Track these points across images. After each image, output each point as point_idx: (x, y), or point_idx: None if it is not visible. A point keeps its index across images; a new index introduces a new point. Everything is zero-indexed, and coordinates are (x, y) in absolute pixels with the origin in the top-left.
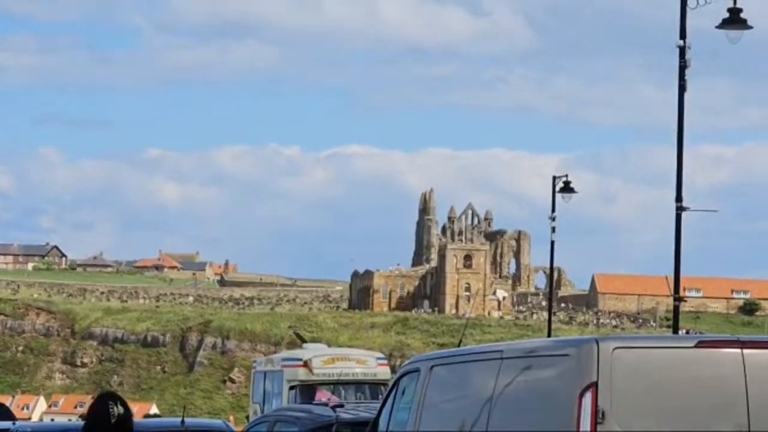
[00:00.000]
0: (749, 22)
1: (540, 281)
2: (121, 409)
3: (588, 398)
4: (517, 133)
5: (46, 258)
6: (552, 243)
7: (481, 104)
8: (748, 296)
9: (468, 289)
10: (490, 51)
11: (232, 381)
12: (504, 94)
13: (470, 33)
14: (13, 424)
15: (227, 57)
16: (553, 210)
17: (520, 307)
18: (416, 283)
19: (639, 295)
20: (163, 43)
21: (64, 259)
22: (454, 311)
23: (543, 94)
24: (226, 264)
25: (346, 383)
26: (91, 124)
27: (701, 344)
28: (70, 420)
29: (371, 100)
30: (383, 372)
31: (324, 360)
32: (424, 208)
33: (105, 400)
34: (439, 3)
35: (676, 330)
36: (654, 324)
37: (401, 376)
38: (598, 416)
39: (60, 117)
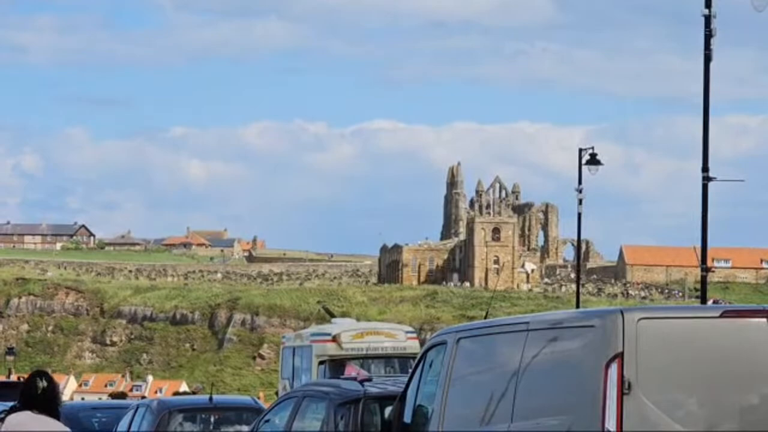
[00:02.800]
0: None
1: (568, 253)
2: (45, 383)
3: (614, 369)
4: (542, 105)
5: (74, 237)
6: (579, 215)
7: (504, 77)
8: None
9: (496, 262)
10: (512, 24)
11: (262, 357)
12: (527, 67)
13: (492, 6)
14: None
15: (249, 34)
16: (580, 182)
17: (549, 280)
18: (445, 256)
19: (667, 266)
20: (184, 21)
21: (92, 238)
22: (483, 284)
23: (566, 66)
24: (254, 240)
25: (375, 357)
26: (115, 103)
27: (726, 314)
28: (100, 399)
29: (395, 75)
30: (412, 345)
31: (353, 334)
32: (452, 182)
33: (33, 376)
34: None
35: (704, 300)
36: (680, 294)
37: (428, 349)
38: (623, 386)
39: (84, 97)
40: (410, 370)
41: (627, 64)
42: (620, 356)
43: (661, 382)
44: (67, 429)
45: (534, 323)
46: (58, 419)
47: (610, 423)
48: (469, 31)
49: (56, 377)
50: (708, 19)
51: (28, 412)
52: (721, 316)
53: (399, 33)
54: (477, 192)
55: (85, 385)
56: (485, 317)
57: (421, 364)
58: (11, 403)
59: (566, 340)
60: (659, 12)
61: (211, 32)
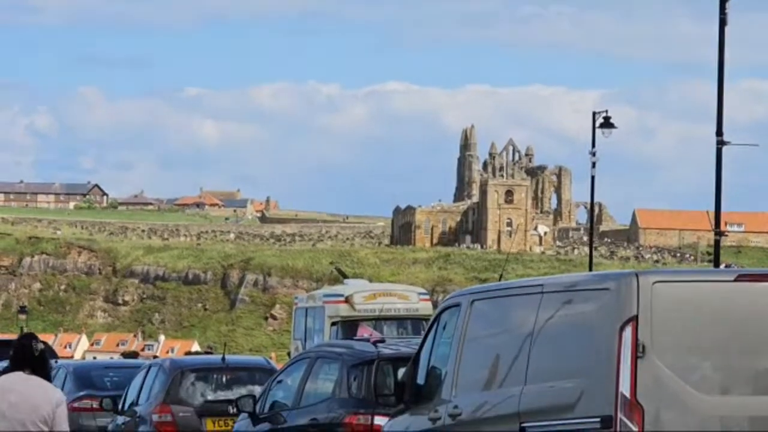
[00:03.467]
0: None
1: (581, 216)
2: (41, 345)
3: (628, 332)
4: (555, 69)
5: (87, 197)
6: (593, 178)
7: (517, 41)
8: None
9: (509, 224)
10: None
11: (274, 318)
12: (540, 30)
13: None
14: (56, 362)
15: None
16: (593, 145)
17: (561, 242)
18: (458, 218)
19: (680, 229)
20: None
21: (105, 197)
22: (495, 246)
23: (579, 29)
24: (267, 201)
25: (387, 319)
26: (129, 64)
27: (741, 278)
28: (111, 358)
29: (409, 37)
30: (425, 307)
31: (365, 296)
32: (465, 145)
33: (28, 338)
34: None
35: (717, 264)
36: (692, 258)
37: (442, 311)
38: (638, 350)
39: (98, 57)
40: (423, 332)
41: (641, 27)
42: (635, 319)
43: (676, 346)
44: (59, 391)
45: (548, 286)
46: (50, 381)
47: (624, 386)
48: None
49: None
50: None
51: (20, 373)
52: (735, 280)
53: None
54: (490, 154)
55: (97, 344)
56: (499, 279)
57: (434, 326)
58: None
59: (580, 303)
60: None
61: None
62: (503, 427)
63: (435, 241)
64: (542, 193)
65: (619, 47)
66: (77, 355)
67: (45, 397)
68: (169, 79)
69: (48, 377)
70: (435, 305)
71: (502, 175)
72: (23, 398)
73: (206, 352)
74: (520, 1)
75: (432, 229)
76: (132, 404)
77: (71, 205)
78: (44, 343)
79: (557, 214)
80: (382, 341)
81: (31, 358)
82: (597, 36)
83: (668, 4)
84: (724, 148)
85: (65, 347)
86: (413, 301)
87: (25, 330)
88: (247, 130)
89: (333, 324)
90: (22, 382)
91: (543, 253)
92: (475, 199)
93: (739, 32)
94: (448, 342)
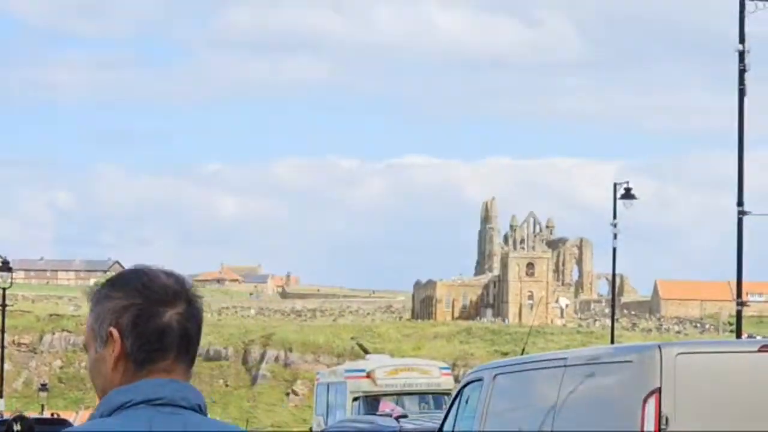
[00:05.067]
0: None
1: (602, 288)
2: (19, 426)
3: (651, 404)
4: (575, 141)
5: (108, 273)
6: (614, 249)
7: (537, 113)
8: None
9: (531, 297)
10: (544, 61)
11: (296, 393)
12: (559, 103)
13: (521, 43)
14: None
15: (280, 70)
16: (615, 216)
17: (583, 315)
18: (479, 292)
19: (702, 300)
20: (216, 58)
21: None
22: (517, 319)
23: (598, 102)
24: (288, 276)
25: (409, 394)
26: (148, 140)
27: (764, 348)
28: None
29: (428, 110)
30: (447, 382)
31: (387, 371)
32: (486, 217)
33: (12, 419)
34: (492, 13)
35: (739, 335)
36: (710, 328)
37: (465, 386)
38: (662, 422)
39: (117, 134)
40: (445, 407)
41: (660, 99)
42: (658, 391)
43: (699, 417)
44: None
45: (571, 359)
46: None
47: None
48: (499, 68)
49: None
50: (742, 54)
51: None
52: (759, 351)
53: (431, 69)
54: (511, 227)
55: None
56: (522, 353)
57: (457, 401)
58: None
59: (604, 376)
60: (691, 47)
61: (244, 68)
62: None
63: (456, 314)
64: (563, 265)
65: (638, 119)
66: None
67: None
68: (188, 155)
69: None
70: (456, 380)
71: (523, 248)
72: None
73: None
74: (538, 74)
75: (453, 302)
76: None
77: (92, 281)
78: (28, 423)
79: (578, 286)
80: (405, 416)
81: None
82: (616, 108)
83: (686, 75)
84: (745, 218)
85: None
86: (435, 375)
87: (46, 407)
88: (267, 205)
89: (355, 399)
90: None
91: (564, 325)
92: (496, 272)
93: (757, 101)
94: (471, 416)
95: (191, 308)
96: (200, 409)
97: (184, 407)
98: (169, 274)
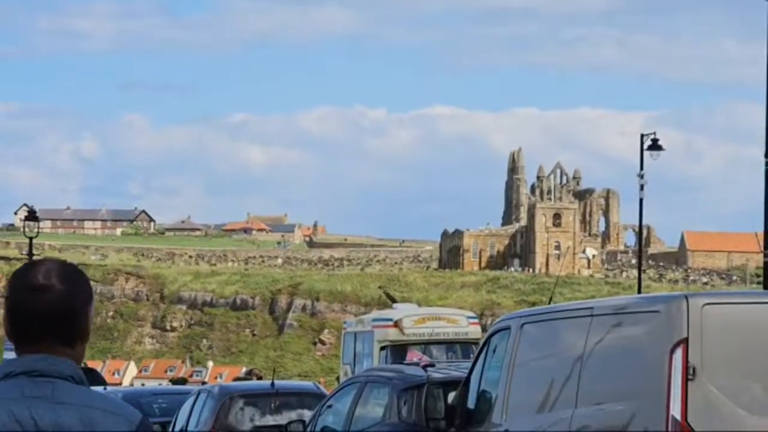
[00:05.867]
0: None
1: (629, 239)
2: None
3: (678, 354)
4: (602, 91)
5: (134, 223)
6: (641, 200)
7: (563, 63)
8: None
9: (558, 247)
10: (571, 10)
11: (323, 343)
12: (586, 53)
13: None
14: (104, 389)
15: (307, 20)
16: (642, 168)
17: (610, 265)
18: (506, 242)
19: (729, 251)
20: (242, 7)
21: (152, 223)
22: (544, 270)
23: (626, 51)
24: (315, 225)
25: (437, 343)
26: (174, 89)
27: None
28: (160, 384)
29: (455, 61)
30: (474, 331)
31: (415, 320)
32: (513, 168)
33: None
34: None
35: (766, 286)
36: (737, 279)
37: (492, 335)
38: (689, 372)
39: (143, 83)
40: (473, 356)
41: (687, 49)
42: (685, 342)
43: (726, 368)
44: None
45: (598, 308)
46: None
47: (675, 409)
48: (528, 18)
49: (116, 363)
50: None
51: None
52: None
53: (459, 19)
54: (538, 178)
55: (145, 370)
56: (549, 302)
57: (484, 350)
58: None
59: (630, 326)
60: None
61: (270, 18)
62: None
63: (483, 264)
64: (590, 216)
65: (666, 69)
66: (126, 382)
67: None
68: (214, 105)
69: None
70: (484, 329)
71: (550, 199)
72: None
73: (247, 375)
74: (565, 24)
75: (480, 252)
76: (181, 431)
77: (118, 231)
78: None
79: (605, 237)
80: (432, 365)
81: None
82: (643, 58)
83: (715, 25)
84: None
85: (113, 374)
86: (462, 324)
87: None
88: (294, 155)
89: (382, 348)
90: None
91: (591, 276)
92: (523, 222)
93: None
94: (498, 366)
95: (61, 294)
96: (74, 380)
97: (56, 377)
98: (45, 264)
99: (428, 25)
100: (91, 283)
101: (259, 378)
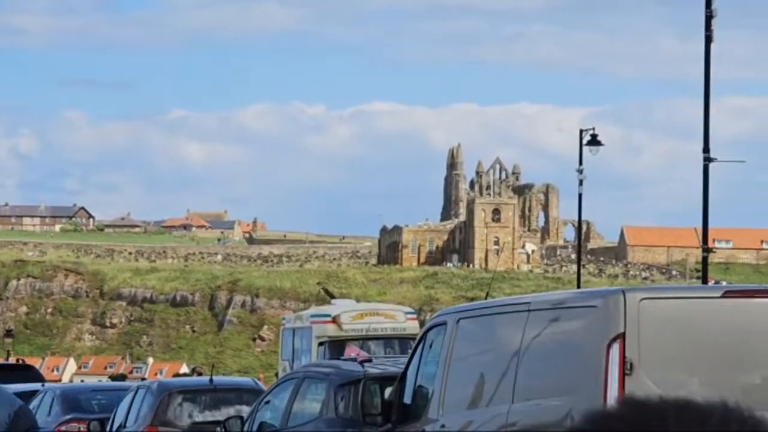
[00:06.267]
0: None
1: (569, 234)
2: None
3: (615, 349)
4: (541, 87)
5: (73, 219)
6: (580, 195)
7: (503, 59)
8: None
9: (497, 242)
10: (509, 6)
11: (262, 339)
12: (525, 49)
13: None
14: (42, 386)
15: (246, 16)
16: (581, 163)
17: (549, 260)
18: (445, 237)
19: (668, 246)
20: (181, 3)
21: (91, 220)
22: (483, 265)
23: (565, 48)
24: (255, 222)
25: (375, 338)
26: (113, 86)
27: (728, 294)
28: (99, 381)
29: (394, 57)
30: (412, 326)
31: (353, 315)
32: (452, 164)
33: None
34: None
35: (705, 281)
36: (677, 274)
37: (428, 330)
38: (626, 367)
39: (82, 79)
40: (410, 351)
41: (627, 46)
42: (622, 336)
43: (663, 363)
44: None
45: (535, 303)
46: None
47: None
48: (468, 14)
49: (55, 359)
50: (709, 1)
51: None
52: (722, 297)
53: (397, 15)
54: (477, 173)
55: (85, 367)
56: (485, 298)
57: (421, 345)
58: (7, 385)
59: (568, 321)
60: None
61: (209, 14)
62: None
63: (422, 260)
64: (529, 211)
65: (605, 66)
66: (65, 379)
67: None
68: (153, 102)
69: None
70: (422, 324)
71: (489, 194)
72: None
73: (194, 371)
74: (503, 20)
75: (419, 248)
76: (120, 427)
77: (57, 227)
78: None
79: (545, 232)
80: (369, 361)
81: None
82: (582, 54)
83: (653, 22)
84: (711, 165)
85: (53, 371)
86: (400, 320)
87: (12, 354)
88: (233, 152)
89: (320, 344)
90: None
91: (531, 271)
92: (462, 218)
93: (724, 49)
94: (435, 361)
95: None
96: None
97: None
98: None
99: (367, 21)
100: (30, 279)
101: (200, 375)
